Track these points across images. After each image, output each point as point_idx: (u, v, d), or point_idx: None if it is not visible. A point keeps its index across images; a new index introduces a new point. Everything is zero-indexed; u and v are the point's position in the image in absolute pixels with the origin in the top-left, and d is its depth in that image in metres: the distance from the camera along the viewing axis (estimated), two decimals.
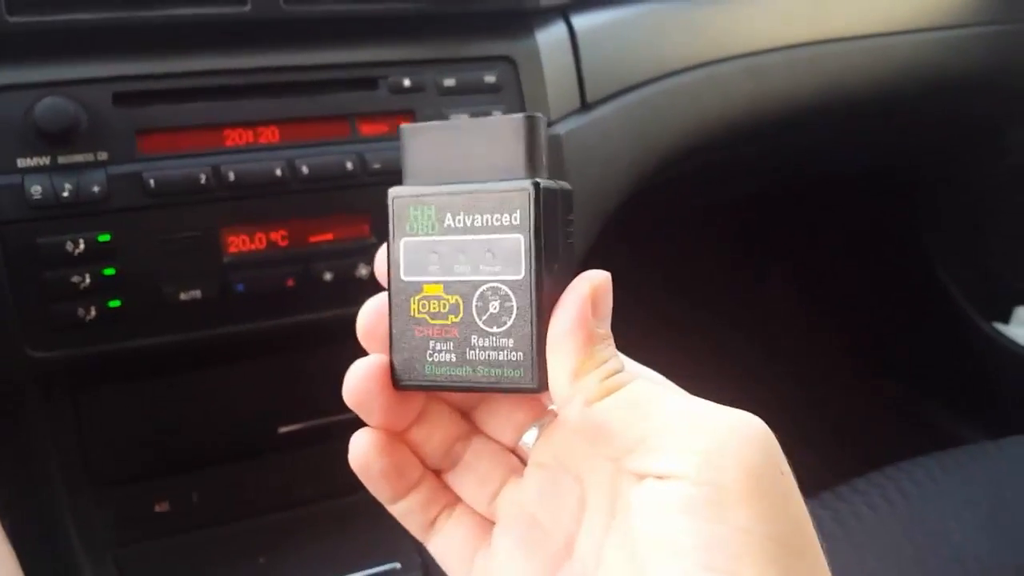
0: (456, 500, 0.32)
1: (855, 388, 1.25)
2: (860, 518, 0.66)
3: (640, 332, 0.56)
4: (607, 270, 0.29)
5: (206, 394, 0.61)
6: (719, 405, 0.27)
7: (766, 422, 0.26)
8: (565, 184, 0.29)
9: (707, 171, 0.90)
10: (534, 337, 0.27)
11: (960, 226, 1.13)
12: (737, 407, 0.26)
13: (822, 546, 0.27)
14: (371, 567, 0.60)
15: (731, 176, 1.04)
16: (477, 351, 0.28)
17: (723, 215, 1.20)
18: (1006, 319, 1.07)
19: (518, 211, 0.27)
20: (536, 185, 0.27)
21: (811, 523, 0.26)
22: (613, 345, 0.28)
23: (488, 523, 0.31)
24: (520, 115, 0.28)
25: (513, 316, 0.27)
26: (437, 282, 0.28)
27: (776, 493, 0.25)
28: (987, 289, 1.10)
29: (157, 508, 0.60)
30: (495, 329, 0.28)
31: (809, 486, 0.69)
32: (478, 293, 0.28)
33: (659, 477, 0.26)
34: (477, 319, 0.28)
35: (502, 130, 0.28)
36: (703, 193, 1.07)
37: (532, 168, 0.28)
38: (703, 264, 1.20)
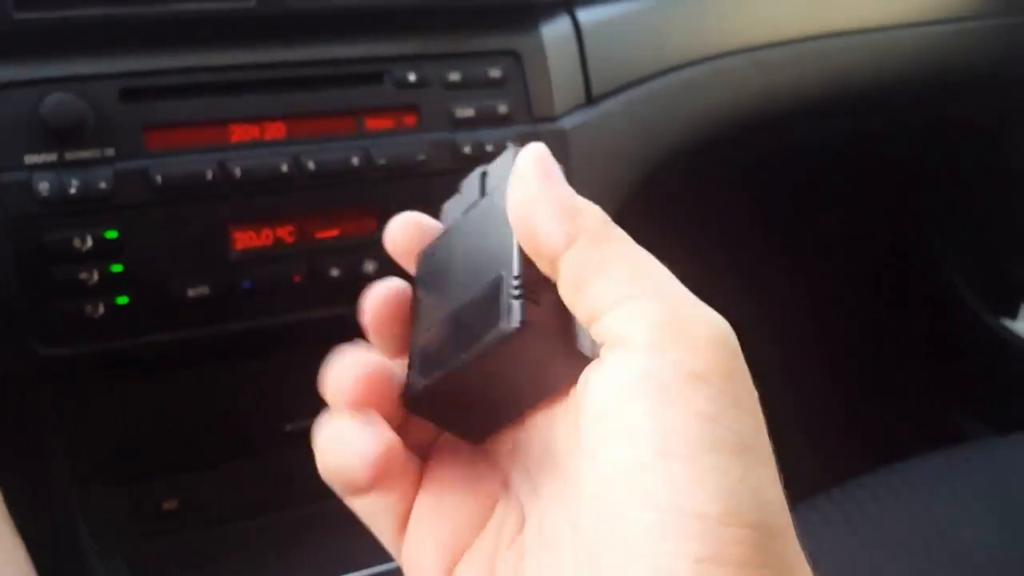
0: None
1: (862, 384, 1.24)
2: (868, 513, 0.66)
3: None
4: None
5: (213, 391, 0.61)
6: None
7: (769, 418, 0.25)
8: None
9: (713, 166, 0.89)
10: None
11: (967, 220, 1.12)
12: None
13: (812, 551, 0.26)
14: (380, 565, 0.60)
15: (736, 172, 1.03)
16: None
17: (727, 209, 1.19)
18: (1014, 315, 1.07)
19: None
20: None
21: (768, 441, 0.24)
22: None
23: None
24: None
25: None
26: None
27: (742, 391, 0.23)
28: (995, 284, 1.09)
29: (166, 506, 0.60)
30: None
31: (817, 482, 0.69)
32: None
33: (615, 343, 0.24)
34: None
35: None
36: (709, 189, 1.07)
37: None
38: (707, 256, 1.20)
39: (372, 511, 0.29)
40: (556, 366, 0.26)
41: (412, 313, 0.29)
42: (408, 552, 0.28)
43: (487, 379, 0.27)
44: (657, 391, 0.22)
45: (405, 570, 0.29)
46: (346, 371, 0.27)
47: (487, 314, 0.26)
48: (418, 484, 0.29)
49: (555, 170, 0.27)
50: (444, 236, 0.30)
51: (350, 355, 0.27)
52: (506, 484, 0.28)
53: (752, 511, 0.22)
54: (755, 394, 0.24)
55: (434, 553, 0.27)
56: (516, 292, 0.26)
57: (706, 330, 0.24)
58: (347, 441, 0.26)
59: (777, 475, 0.23)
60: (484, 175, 0.31)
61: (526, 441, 0.28)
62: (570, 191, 0.26)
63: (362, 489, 0.26)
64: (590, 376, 0.25)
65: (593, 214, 0.26)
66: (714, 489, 0.21)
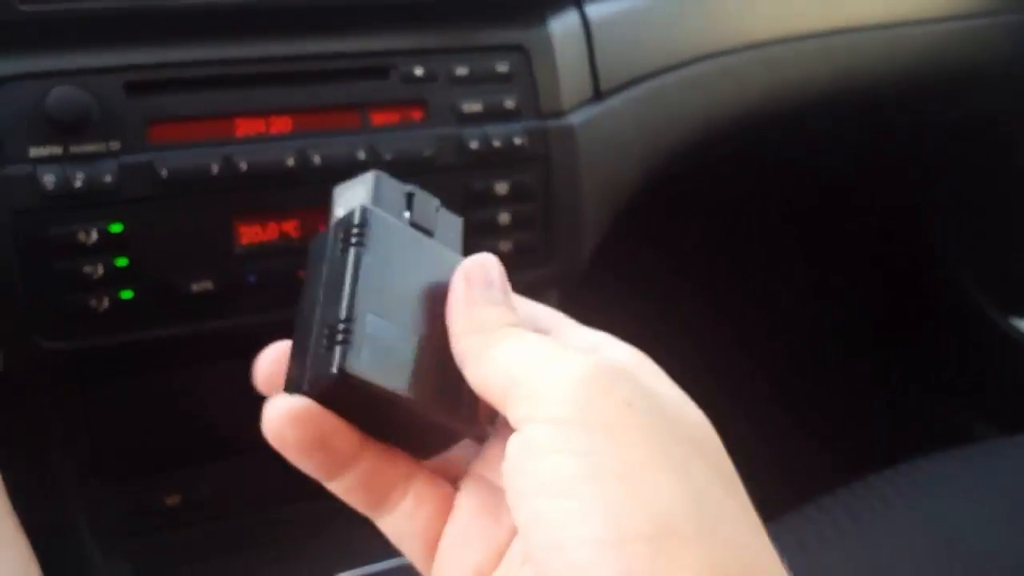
0: (413, 473, 0.31)
1: (869, 384, 1.24)
2: (874, 514, 0.65)
3: (643, 324, 0.55)
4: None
5: (217, 386, 0.60)
6: (578, 349, 0.29)
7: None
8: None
9: (718, 164, 0.89)
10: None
11: (975, 219, 1.12)
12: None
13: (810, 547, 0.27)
14: (382, 561, 0.60)
15: (744, 168, 1.03)
16: None
17: (733, 207, 1.19)
18: (1022, 315, 1.07)
19: None
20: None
21: (665, 449, 0.26)
22: (504, 307, 0.30)
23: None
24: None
25: None
26: None
27: (609, 420, 0.26)
28: (1005, 283, 1.09)
29: (168, 502, 0.60)
30: None
31: (823, 482, 0.69)
32: None
33: (515, 422, 0.27)
34: None
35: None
36: (713, 187, 1.07)
37: None
38: (710, 257, 1.20)
39: (400, 534, 0.31)
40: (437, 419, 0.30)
41: (302, 289, 0.31)
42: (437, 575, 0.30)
43: (376, 408, 0.29)
44: (537, 447, 0.26)
45: None
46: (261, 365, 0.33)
47: (319, 355, 0.29)
48: (448, 510, 0.30)
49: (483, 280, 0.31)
50: (325, 242, 0.32)
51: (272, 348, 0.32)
52: None
53: (645, 524, 0.24)
54: (625, 411, 0.26)
55: None
56: (340, 337, 0.28)
57: (565, 381, 0.27)
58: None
59: (678, 483, 0.25)
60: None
61: None
62: (479, 307, 0.31)
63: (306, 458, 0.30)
64: (508, 449, 0.27)
65: (474, 335, 0.30)
66: (601, 517, 0.24)
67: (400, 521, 0.31)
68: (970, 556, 0.62)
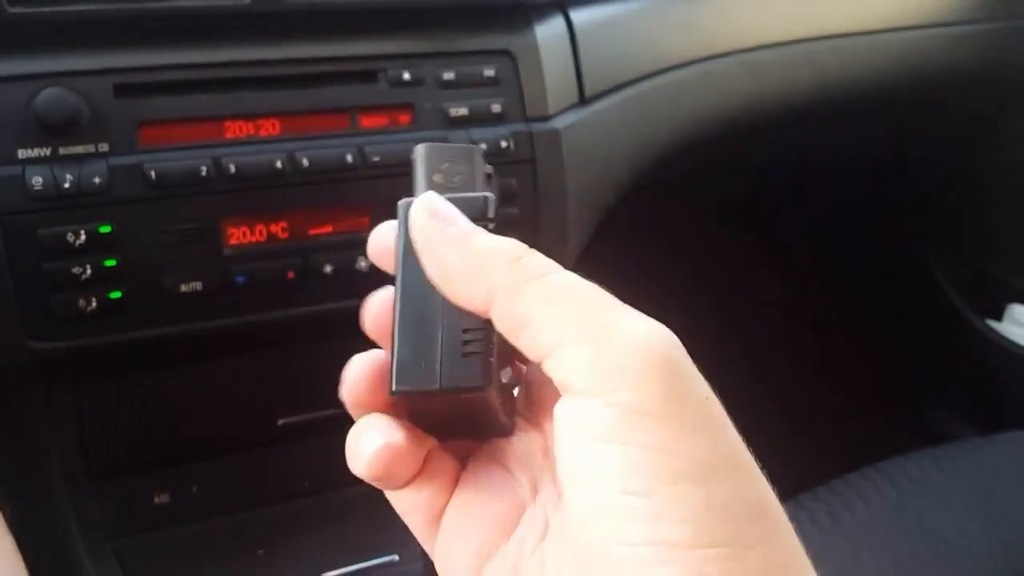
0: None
1: (848, 384, 1.25)
2: (853, 512, 0.66)
3: None
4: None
5: (206, 386, 0.61)
6: (633, 315, 0.25)
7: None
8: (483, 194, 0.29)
9: (703, 168, 0.90)
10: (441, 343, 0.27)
11: (954, 223, 1.13)
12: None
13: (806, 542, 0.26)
14: (369, 559, 0.60)
15: (727, 173, 1.04)
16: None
17: (717, 212, 1.20)
18: (999, 317, 1.08)
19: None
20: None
21: (740, 442, 0.25)
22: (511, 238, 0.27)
23: None
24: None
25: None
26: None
27: (689, 412, 0.24)
28: (980, 286, 1.10)
29: (157, 500, 0.60)
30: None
31: (803, 481, 0.70)
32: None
33: (561, 389, 0.25)
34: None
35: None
36: (699, 190, 1.07)
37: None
38: (697, 260, 1.21)
39: (405, 506, 0.30)
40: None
41: (394, 296, 0.28)
42: (440, 549, 0.29)
43: (457, 408, 0.28)
44: (604, 434, 0.24)
45: (437, 565, 0.30)
46: (351, 374, 0.28)
47: (456, 359, 0.27)
48: (453, 485, 0.29)
49: (451, 220, 0.27)
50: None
51: (358, 358, 0.28)
52: (535, 490, 0.29)
53: (720, 529, 0.23)
54: (709, 407, 0.24)
55: (464, 554, 0.29)
56: (475, 347, 0.26)
57: (640, 362, 0.24)
58: (352, 441, 0.27)
59: (750, 483, 0.24)
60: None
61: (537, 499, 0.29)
62: (471, 239, 0.27)
63: (380, 482, 0.28)
64: (555, 415, 0.25)
65: (501, 262, 0.26)
66: (679, 518, 0.23)
67: (406, 493, 0.29)
68: (946, 551, 0.63)
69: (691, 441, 0.23)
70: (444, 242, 0.26)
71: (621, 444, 0.23)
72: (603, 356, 0.24)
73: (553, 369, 0.25)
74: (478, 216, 0.28)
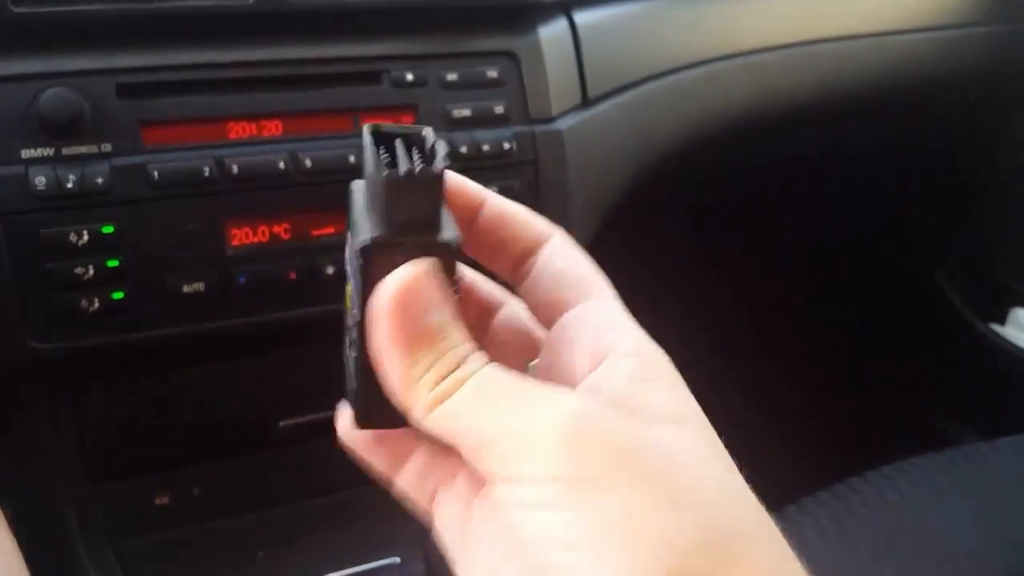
0: (455, 471, 0.30)
1: (851, 389, 1.25)
2: (856, 516, 0.66)
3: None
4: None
5: (207, 387, 0.61)
6: (547, 392, 0.26)
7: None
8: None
9: (705, 168, 0.90)
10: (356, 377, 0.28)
11: (957, 227, 1.13)
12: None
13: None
14: (371, 561, 0.60)
15: (728, 175, 1.04)
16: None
17: (721, 214, 1.20)
18: (1002, 321, 1.08)
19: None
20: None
21: (692, 475, 0.25)
22: (450, 334, 0.26)
23: None
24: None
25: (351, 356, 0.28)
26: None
27: (597, 473, 0.24)
28: (984, 291, 1.10)
29: (157, 501, 0.60)
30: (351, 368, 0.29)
31: (804, 485, 0.69)
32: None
33: (496, 482, 0.26)
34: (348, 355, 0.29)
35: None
36: (701, 191, 1.07)
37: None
38: (699, 264, 1.20)
39: (407, 490, 0.31)
40: None
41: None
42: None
43: None
44: (512, 508, 0.25)
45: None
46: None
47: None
48: (437, 465, 0.30)
49: (401, 321, 0.26)
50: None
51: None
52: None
53: (659, 566, 0.23)
54: (613, 460, 0.24)
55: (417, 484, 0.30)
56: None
57: (558, 452, 0.24)
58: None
59: (683, 504, 0.24)
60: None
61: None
62: (407, 344, 0.26)
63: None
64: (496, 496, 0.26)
65: (421, 373, 0.26)
66: (614, 567, 0.23)
67: (409, 478, 0.31)
68: (949, 556, 0.63)
69: (604, 496, 0.24)
70: (386, 346, 0.26)
71: (543, 510, 0.24)
72: (512, 445, 0.25)
73: (483, 469, 0.26)
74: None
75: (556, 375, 0.28)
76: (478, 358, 0.26)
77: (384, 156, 0.27)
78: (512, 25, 0.62)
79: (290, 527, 0.62)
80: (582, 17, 0.66)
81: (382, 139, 0.28)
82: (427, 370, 0.26)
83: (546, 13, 0.64)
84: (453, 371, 0.26)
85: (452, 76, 0.59)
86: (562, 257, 0.31)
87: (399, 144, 0.28)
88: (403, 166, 0.26)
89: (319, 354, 0.60)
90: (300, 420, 0.63)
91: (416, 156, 0.27)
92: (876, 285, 1.25)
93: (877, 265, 1.24)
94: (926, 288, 1.14)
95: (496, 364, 0.26)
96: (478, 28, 0.61)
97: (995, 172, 1.06)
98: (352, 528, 0.62)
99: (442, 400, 0.26)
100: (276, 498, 0.63)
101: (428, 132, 0.28)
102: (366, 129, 0.28)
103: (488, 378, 0.26)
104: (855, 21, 0.81)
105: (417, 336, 0.26)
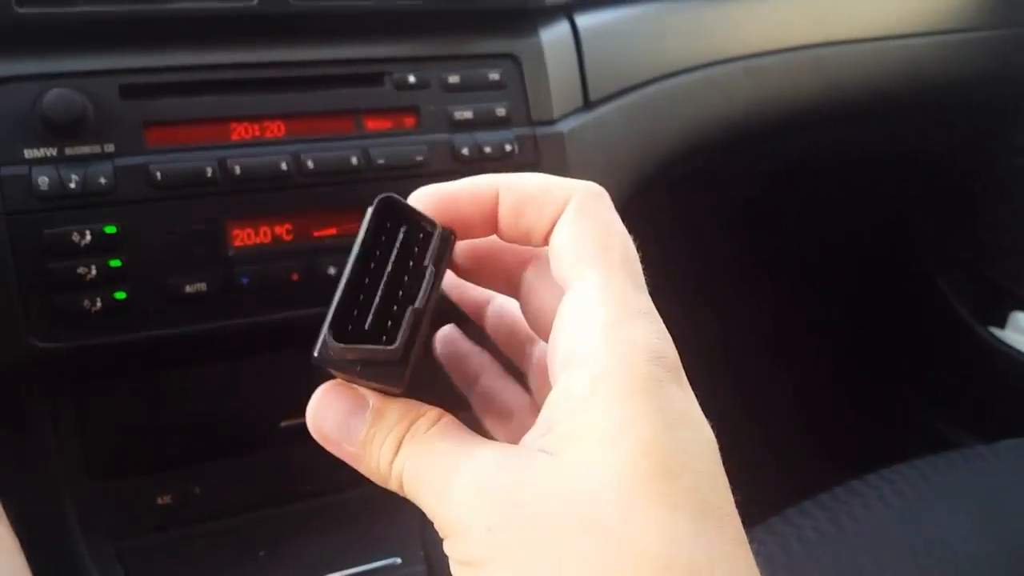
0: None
1: (851, 392, 1.25)
2: (856, 519, 0.66)
3: None
4: None
5: (209, 388, 0.61)
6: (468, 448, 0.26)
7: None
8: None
9: (706, 172, 0.90)
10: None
11: (958, 231, 1.13)
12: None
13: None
14: (372, 562, 0.60)
15: (730, 178, 1.04)
16: None
17: (722, 217, 1.20)
18: (1002, 324, 1.08)
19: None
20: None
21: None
22: (375, 438, 0.28)
23: None
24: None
25: None
26: None
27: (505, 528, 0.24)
28: (983, 294, 1.10)
29: (159, 501, 0.60)
30: None
31: (806, 488, 0.70)
32: None
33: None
34: None
35: None
36: (702, 194, 1.08)
37: None
38: (700, 266, 1.21)
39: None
40: None
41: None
42: None
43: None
44: None
45: None
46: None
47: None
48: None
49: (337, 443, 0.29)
50: None
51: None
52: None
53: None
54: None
55: None
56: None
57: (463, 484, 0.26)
58: None
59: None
60: None
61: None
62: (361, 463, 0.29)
63: None
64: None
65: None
66: None
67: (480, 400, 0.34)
68: (949, 559, 0.63)
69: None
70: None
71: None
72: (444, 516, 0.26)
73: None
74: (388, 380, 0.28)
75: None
76: (425, 422, 0.28)
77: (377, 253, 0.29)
78: (514, 28, 0.62)
79: (291, 527, 0.62)
80: (584, 20, 0.66)
81: (387, 213, 0.29)
82: (379, 446, 0.28)
83: (548, 16, 0.64)
84: (392, 458, 0.27)
85: (454, 78, 0.59)
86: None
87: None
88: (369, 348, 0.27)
89: None
90: (301, 420, 0.62)
91: (401, 243, 0.29)
92: (876, 289, 1.25)
93: (877, 269, 1.24)
94: (926, 291, 1.15)
95: (446, 421, 0.28)
96: (480, 30, 0.61)
97: (995, 176, 1.06)
98: (353, 528, 0.62)
99: (399, 483, 0.27)
100: (277, 498, 0.63)
101: (435, 236, 0.29)
102: (378, 202, 0.29)
103: (421, 453, 0.27)
104: (858, 25, 0.81)
105: (351, 456, 0.28)
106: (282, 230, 0.55)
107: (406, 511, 0.54)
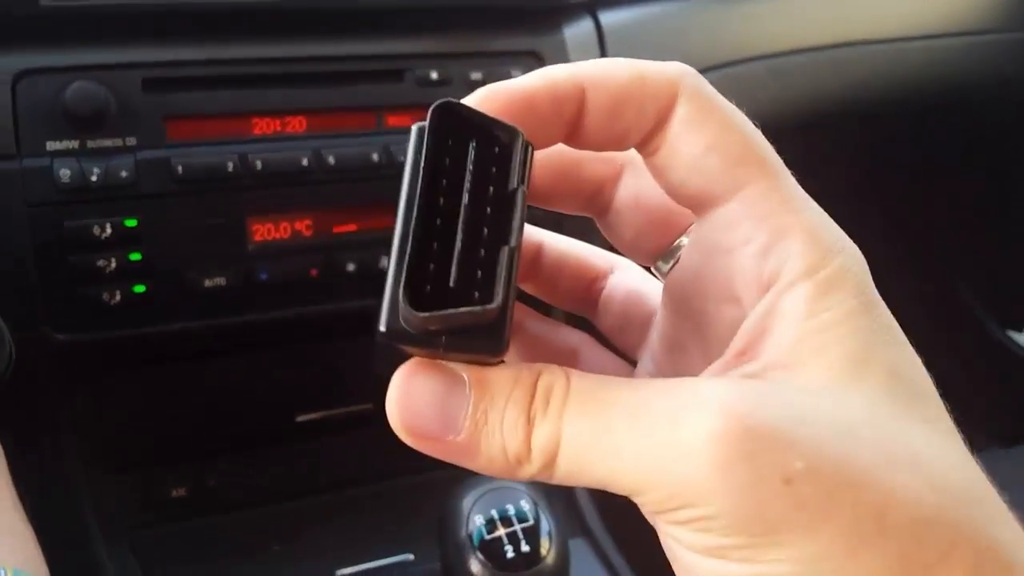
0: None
1: None
2: None
3: None
4: None
5: (225, 381, 0.61)
6: (676, 396, 0.20)
7: None
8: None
9: None
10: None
11: (976, 234, 1.12)
12: None
13: None
14: (385, 557, 0.60)
15: None
16: None
17: None
18: (1020, 328, 1.07)
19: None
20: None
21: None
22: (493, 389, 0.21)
23: None
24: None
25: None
26: None
27: (766, 513, 0.19)
28: (1003, 297, 1.09)
29: (174, 493, 0.60)
30: None
31: None
32: None
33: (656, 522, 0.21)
34: None
35: None
36: None
37: None
38: None
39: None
40: None
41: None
42: None
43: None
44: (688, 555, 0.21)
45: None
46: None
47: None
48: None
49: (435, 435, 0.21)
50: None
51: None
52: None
53: None
54: (782, 493, 0.19)
55: None
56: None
57: (677, 462, 0.20)
58: None
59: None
60: None
61: None
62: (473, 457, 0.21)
63: None
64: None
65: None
66: None
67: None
68: None
69: (776, 543, 0.19)
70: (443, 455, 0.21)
71: (712, 558, 0.20)
72: (657, 481, 0.20)
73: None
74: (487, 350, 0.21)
75: (694, 332, 0.23)
76: (557, 380, 0.21)
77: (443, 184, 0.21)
78: (538, 25, 0.62)
79: (305, 521, 0.62)
80: (608, 18, 0.66)
81: (447, 130, 0.21)
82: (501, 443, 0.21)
83: (572, 13, 0.64)
84: (526, 436, 0.20)
85: (476, 75, 0.58)
86: (636, 275, 0.27)
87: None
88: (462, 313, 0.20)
89: (338, 350, 0.60)
90: (317, 415, 0.63)
91: (472, 169, 0.21)
92: (895, 291, 1.24)
93: (894, 270, 1.23)
94: (947, 294, 1.14)
95: (578, 374, 0.21)
96: (503, 28, 0.61)
97: (1017, 178, 1.05)
98: (366, 524, 0.62)
99: (551, 462, 0.20)
100: (292, 492, 0.63)
101: (518, 147, 0.21)
102: (435, 111, 0.21)
103: (585, 415, 0.20)
104: (882, 24, 0.80)
105: (459, 448, 0.21)
106: (302, 226, 0.55)
107: (420, 507, 0.54)
